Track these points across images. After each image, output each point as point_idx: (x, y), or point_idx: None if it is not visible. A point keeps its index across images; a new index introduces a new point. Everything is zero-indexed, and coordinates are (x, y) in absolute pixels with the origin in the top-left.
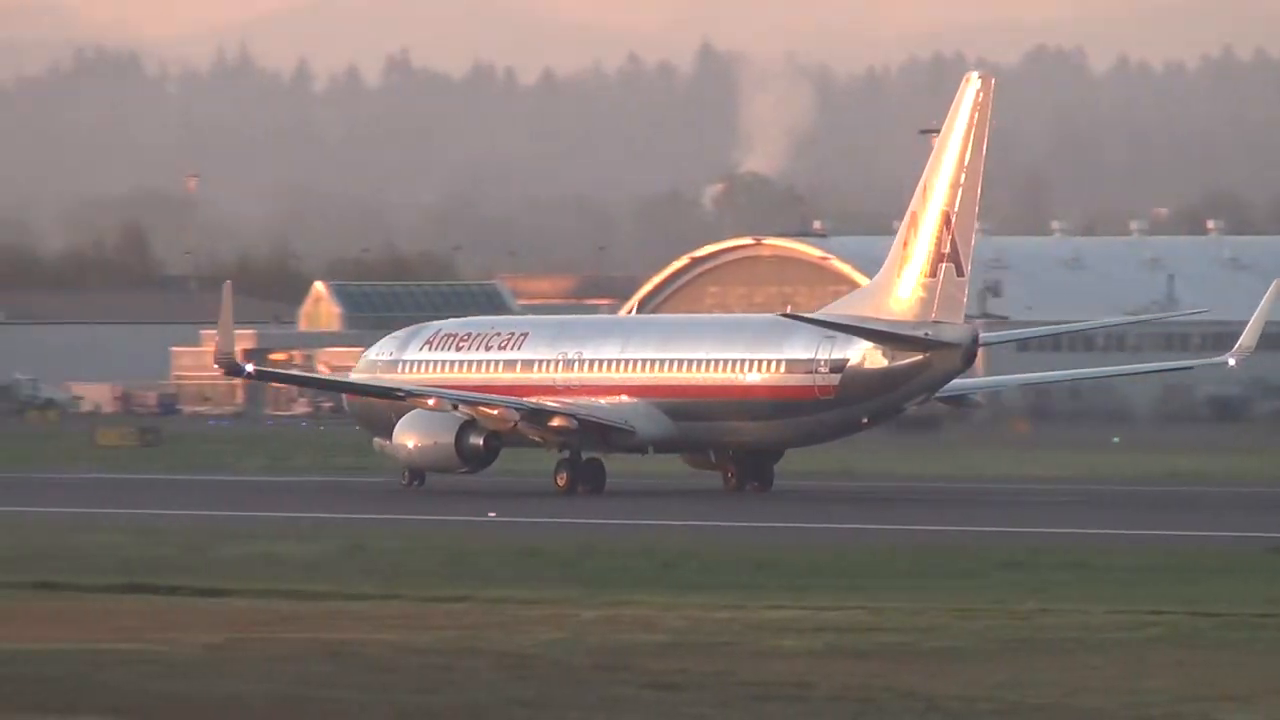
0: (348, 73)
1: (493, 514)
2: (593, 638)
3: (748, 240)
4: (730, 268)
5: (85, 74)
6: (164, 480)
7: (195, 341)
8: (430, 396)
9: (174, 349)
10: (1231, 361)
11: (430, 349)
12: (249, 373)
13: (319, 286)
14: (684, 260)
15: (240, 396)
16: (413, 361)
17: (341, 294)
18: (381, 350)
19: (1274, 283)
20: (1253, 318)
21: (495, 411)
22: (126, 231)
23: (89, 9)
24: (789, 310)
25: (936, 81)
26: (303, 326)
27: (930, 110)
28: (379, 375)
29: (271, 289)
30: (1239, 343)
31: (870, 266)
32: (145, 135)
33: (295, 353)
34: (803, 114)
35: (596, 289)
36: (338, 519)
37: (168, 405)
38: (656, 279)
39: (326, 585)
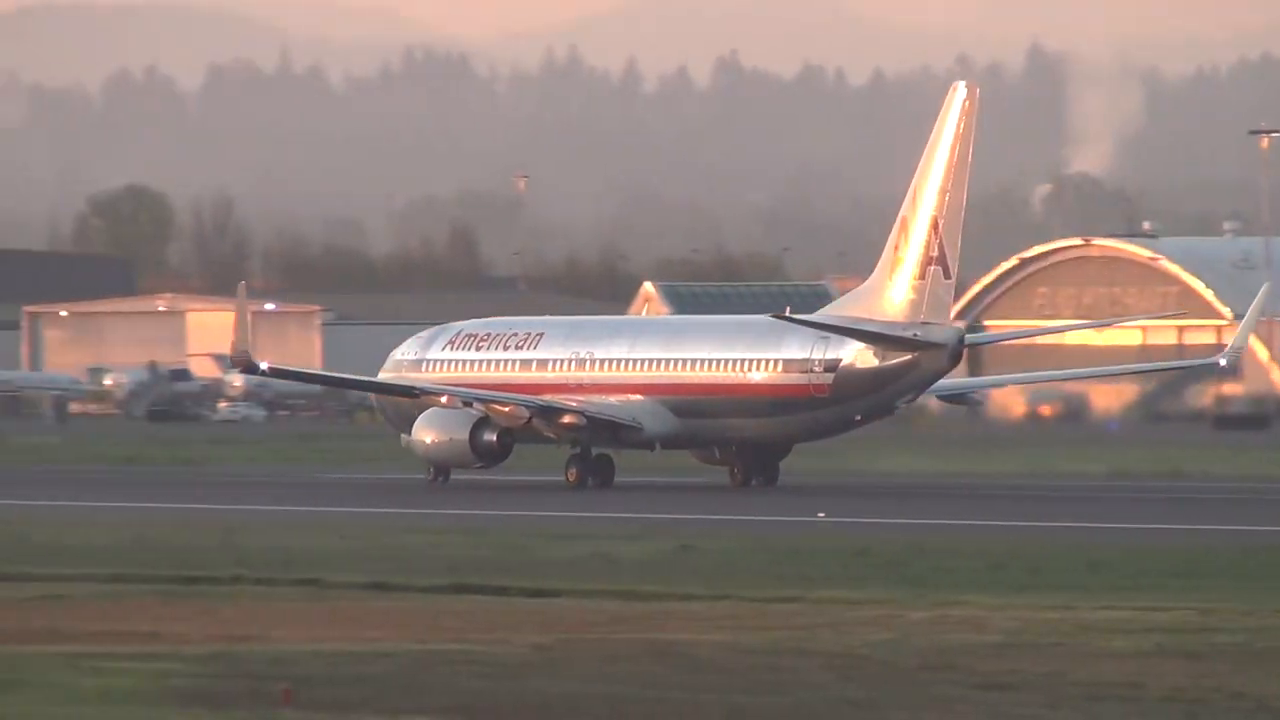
0: (677, 73)
1: (822, 515)
2: (921, 638)
3: (1077, 241)
4: (1059, 269)
5: (415, 75)
6: (494, 481)
7: None
8: (443, 394)
9: None
10: (1223, 362)
11: (451, 349)
12: (264, 370)
13: (648, 287)
14: (1013, 261)
15: None
16: (435, 360)
17: (670, 294)
18: (407, 350)
19: (1264, 286)
20: (1244, 320)
21: (507, 409)
22: (455, 232)
23: (419, 10)
24: (787, 312)
25: (1266, 82)
26: None
27: (1260, 110)
28: (404, 374)
29: (600, 289)
30: (1231, 343)
31: (1200, 268)
32: (474, 136)
33: None
34: (1131, 114)
35: None
36: (667, 519)
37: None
38: (985, 279)
39: (656, 585)
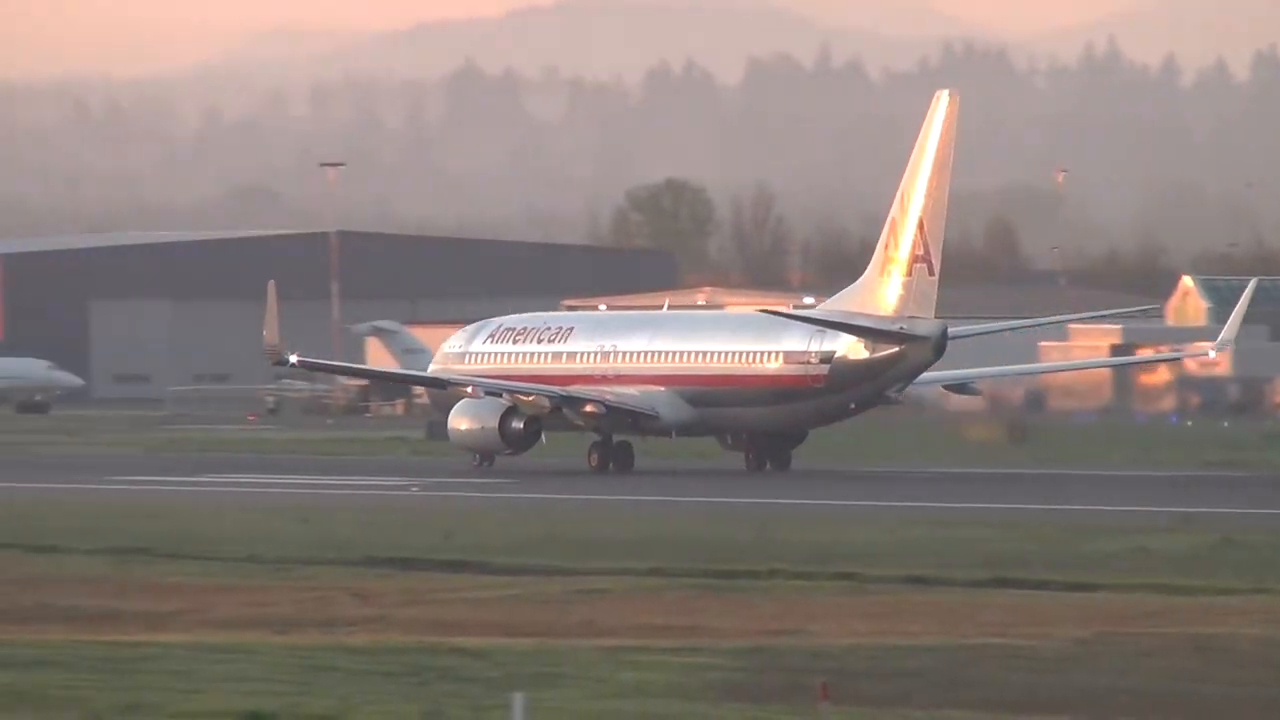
0: (1216, 66)
1: None
2: None
3: None
4: None
5: (953, 70)
6: (1031, 475)
7: (1063, 337)
8: (469, 385)
9: (1041, 344)
10: (1212, 353)
11: (492, 341)
12: (293, 363)
13: (1186, 281)
14: None
15: (1108, 392)
16: (477, 353)
17: (1209, 289)
18: (453, 343)
19: (1253, 281)
20: (1233, 313)
21: (530, 399)
22: (994, 226)
23: (958, 5)
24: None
25: None
26: (1170, 321)
27: None
28: (449, 366)
29: (1139, 284)
30: (1220, 336)
31: None
32: (1014, 130)
33: (1162, 347)
34: None
35: None
36: (1208, 513)
37: (1035, 400)
38: None
39: (1197, 579)
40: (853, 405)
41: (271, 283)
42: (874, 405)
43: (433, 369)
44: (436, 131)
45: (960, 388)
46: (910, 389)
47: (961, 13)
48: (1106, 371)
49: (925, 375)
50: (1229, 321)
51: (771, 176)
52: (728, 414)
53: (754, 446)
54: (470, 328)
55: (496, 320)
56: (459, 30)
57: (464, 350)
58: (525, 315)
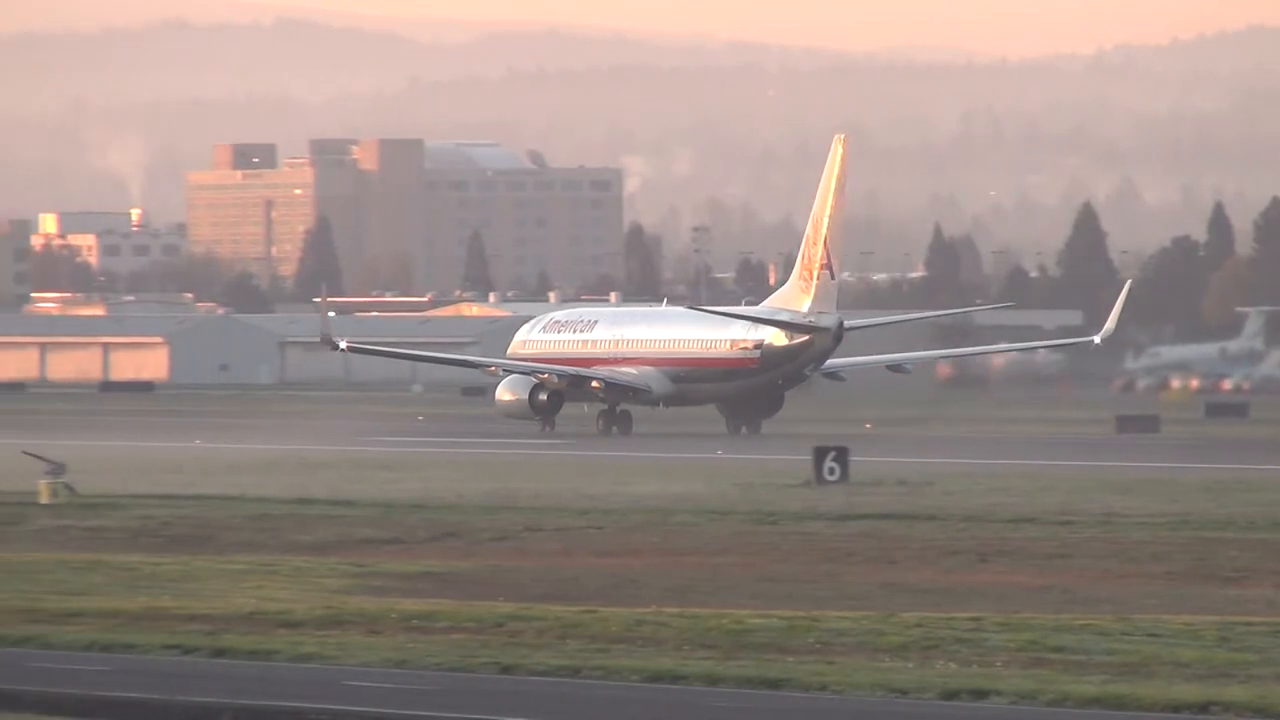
0: None
1: None
2: None
3: None
4: None
5: None
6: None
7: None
8: (490, 365)
9: None
10: (1097, 340)
11: (542, 331)
12: (342, 347)
13: None
14: None
15: None
16: (532, 340)
17: None
18: (521, 332)
19: (1128, 282)
20: (1115, 306)
21: (545, 377)
22: None
23: None
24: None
25: None
26: None
27: None
28: (518, 350)
29: None
30: (1105, 327)
31: None
32: None
33: None
34: None
35: None
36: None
37: None
38: None
39: None
40: (780, 381)
41: (323, 284)
42: (798, 382)
43: (509, 351)
44: None
45: (898, 367)
46: (855, 368)
47: None
48: None
49: (869, 357)
50: (1112, 314)
51: None
52: (694, 389)
53: (730, 414)
54: (535, 319)
55: (549, 315)
56: None
57: (526, 338)
58: (570, 310)
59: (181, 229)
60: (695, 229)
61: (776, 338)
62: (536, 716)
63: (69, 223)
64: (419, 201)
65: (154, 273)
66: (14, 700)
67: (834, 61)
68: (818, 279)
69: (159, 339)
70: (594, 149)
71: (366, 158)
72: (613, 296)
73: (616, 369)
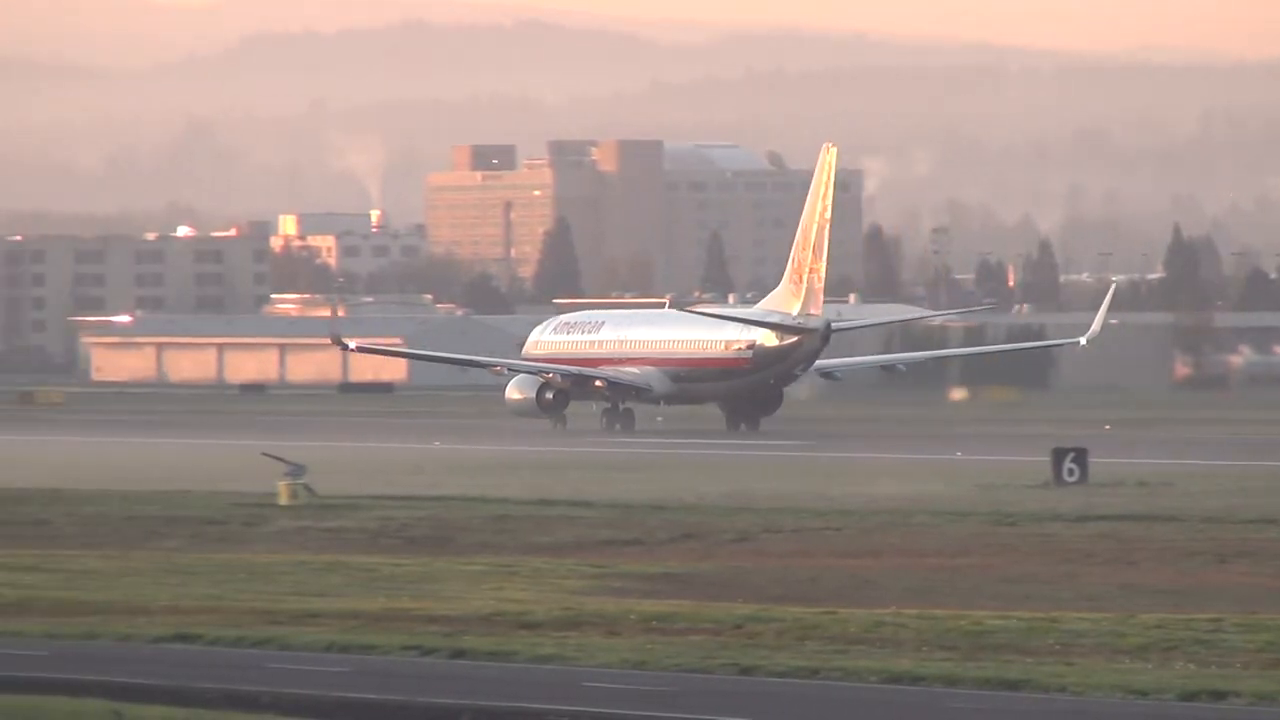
0: None
1: None
2: None
3: None
4: None
5: None
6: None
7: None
8: (494, 365)
9: None
10: (1083, 341)
11: (553, 332)
12: (352, 348)
13: None
14: None
15: None
16: (543, 341)
17: None
18: (534, 333)
19: (1112, 285)
20: (1100, 309)
21: (551, 376)
22: None
23: None
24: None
25: None
26: None
27: None
28: (530, 350)
29: None
30: (1090, 329)
31: None
32: None
33: None
34: None
35: None
36: None
37: None
38: None
39: None
40: (772, 380)
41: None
42: (788, 382)
43: (524, 351)
44: None
45: (891, 367)
46: (848, 369)
47: None
48: None
49: (863, 358)
50: (1097, 317)
51: None
52: (693, 387)
53: (729, 412)
54: (547, 321)
55: (560, 317)
56: None
57: (537, 338)
58: (579, 313)
59: (420, 230)
60: (934, 230)
61: (768, 338)
62: (775, 718)
63: (308, 224)
64: (658, 203)
65: (393, 274)
66: (252, 701)
67: (1073, 62)
68: (806, 282)
69: (398, 340)
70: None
71: (606, 159)
72: (851, 298)
73: (620, 368)
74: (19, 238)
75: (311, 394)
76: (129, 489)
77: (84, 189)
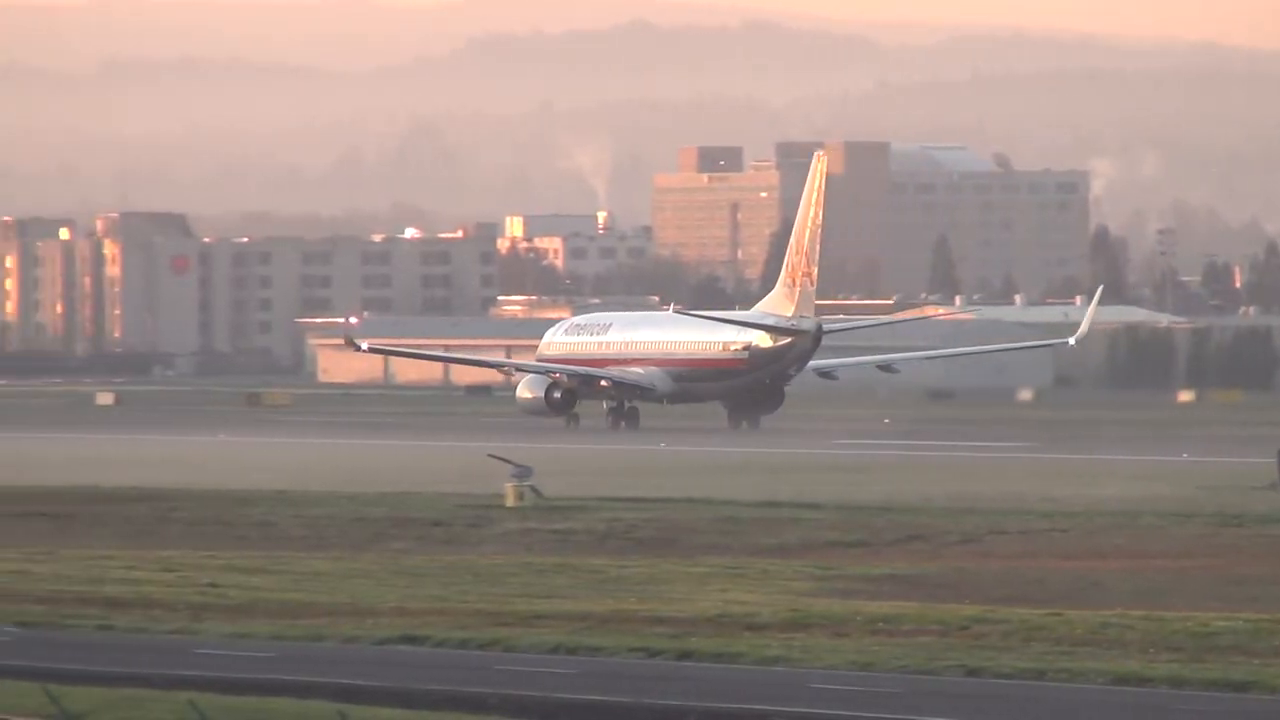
0: None
1: None
2: None
3: None
4: None
5: None
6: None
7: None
8: (500, 366)
9: None
10: (1071, 341)
11: (564, 334)
12: (364, 348)
13: None
14: None
15: None
16: (555, 342)
17: None
18: (547, 335)
19: (1099, 288)
20: (1088, 310)
21: (558, 376)
22: None
23: None
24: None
25: None
26: None
27: None
28: (544, 351)
29: None
30: (1079, 330)
31: None
32: None
33: None
34: None
35: None
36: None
37: None
38: None
39: None
40: (767, 380)
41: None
42: (783, 382)
43: (538, 353)
44: None
45: (886, 366)
46: (844, 368)
47: None
48: None
49: (861, 358)
50: (1085, 318)
51: None
52: (694, 387)
53: (730, 410)
54: (560, 323)
55: (570, 319)
56: None
57: (550, 340)
58: (588, 315)
59: (647, 231)
60: (1160, 231)
61: (763, 340)
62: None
63: (534, 225)
64: (884, 204)
65: (619, 276)
66: (478, 703)
67: None
68: (799, 287)
69: None
70: (1060, 151)
71: (832, 161)
72: (1077, 300)
73: (626, 369)
74: (246, 240)
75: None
76: (356, 491)
77: (311, 190)
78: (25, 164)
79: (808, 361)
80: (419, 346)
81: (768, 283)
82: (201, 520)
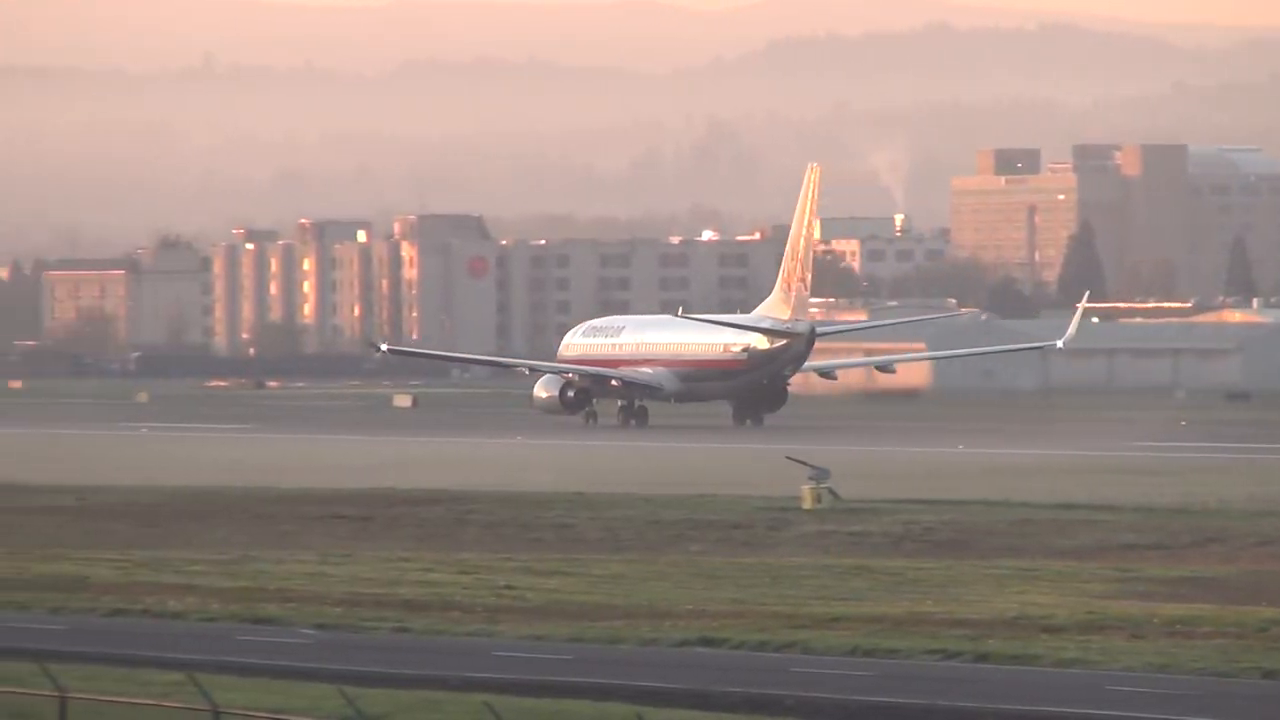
0: None
1: None
2: None
3: None
4: None
5: None
6: None
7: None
8: (516, 366)
9: None
10: (1059, 344)
11: (581, 336)
12: (383, 349)
13: None
14: None
15: None
16: (573, 344)
17: None
18: (568, 335)
19: (1085, 294)
20: (1075, 315)
21: (572, 376)
22: None
23: None
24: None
25: None
26: None
27: None
28: (563, 352)
29: None
30: (1066, 333)
31: None
32: None
33: None
34: None
35: None
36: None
37: None
38: None
39: None
40: (765, 381)
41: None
42: (781, 383)
43: (558, 354)
44: None
45: (883, 366)
46: (840, 368)
47: None
48: None
49: (858, 359)
50: (1072, 323)
51: None
52: (699, 386)
53: (735, 408)
54: (577, 326)
55: (589, 322)
56: None
57: (570, 341)
58: (605, 318)
59: (944, 234)
60: None
61: (760, 342)
62: None
63: (831, 228)
64: (1181, 207)
65: (916, 278)
66: (775, 704)
67: None
68: (795, 291)
69: (920, 345)
70: None
71: (1129, 163)
72: None
73: (636, 369)
74: (544, 242)
75: (836, 399)
76: (652, 493)
77: (608, 192)
78: (322, 167)
79: (803, 362)
80: None
81: (1065, 286)
82: (498, 522)
